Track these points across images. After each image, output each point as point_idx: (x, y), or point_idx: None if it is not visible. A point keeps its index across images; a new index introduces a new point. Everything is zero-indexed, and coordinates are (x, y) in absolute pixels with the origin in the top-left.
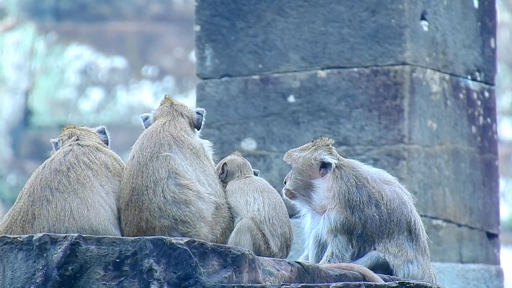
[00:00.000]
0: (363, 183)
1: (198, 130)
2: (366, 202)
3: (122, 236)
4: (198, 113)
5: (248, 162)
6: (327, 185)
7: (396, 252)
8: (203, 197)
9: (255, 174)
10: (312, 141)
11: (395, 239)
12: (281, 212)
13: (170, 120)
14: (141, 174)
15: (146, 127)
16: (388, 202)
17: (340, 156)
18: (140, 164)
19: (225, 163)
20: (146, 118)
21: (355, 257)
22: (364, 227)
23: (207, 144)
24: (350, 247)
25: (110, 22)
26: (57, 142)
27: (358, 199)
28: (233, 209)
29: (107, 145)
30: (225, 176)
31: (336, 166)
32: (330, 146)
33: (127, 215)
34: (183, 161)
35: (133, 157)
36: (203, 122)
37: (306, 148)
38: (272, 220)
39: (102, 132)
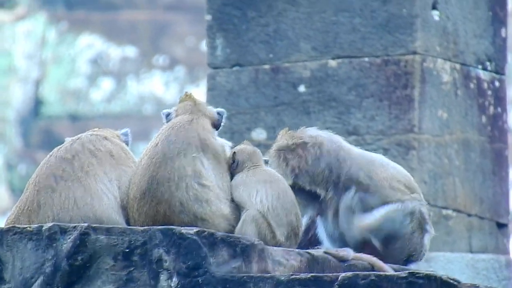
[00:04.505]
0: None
1: (216, 130)
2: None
3: (129, 224)
4: (218, 113)
5: (258, 150)
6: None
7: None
8: (221, 200)
9: (266, 162)
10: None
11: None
12: (286, 201)
13: (196, 118)
14: (165, 165)
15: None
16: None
17: (301, 135)
18: (165, 155)
19: (235, 152)
20: (168, 114)
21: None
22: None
23: (228, 146)
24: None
25: (121, 11)
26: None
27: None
28: (238, 203)
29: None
30: (236, 166)
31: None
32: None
33: (143, 204)
34: (208, 166)
35: (157, 144)
36: (222, 123)
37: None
38: (277, 210)
39: (125, 134)
